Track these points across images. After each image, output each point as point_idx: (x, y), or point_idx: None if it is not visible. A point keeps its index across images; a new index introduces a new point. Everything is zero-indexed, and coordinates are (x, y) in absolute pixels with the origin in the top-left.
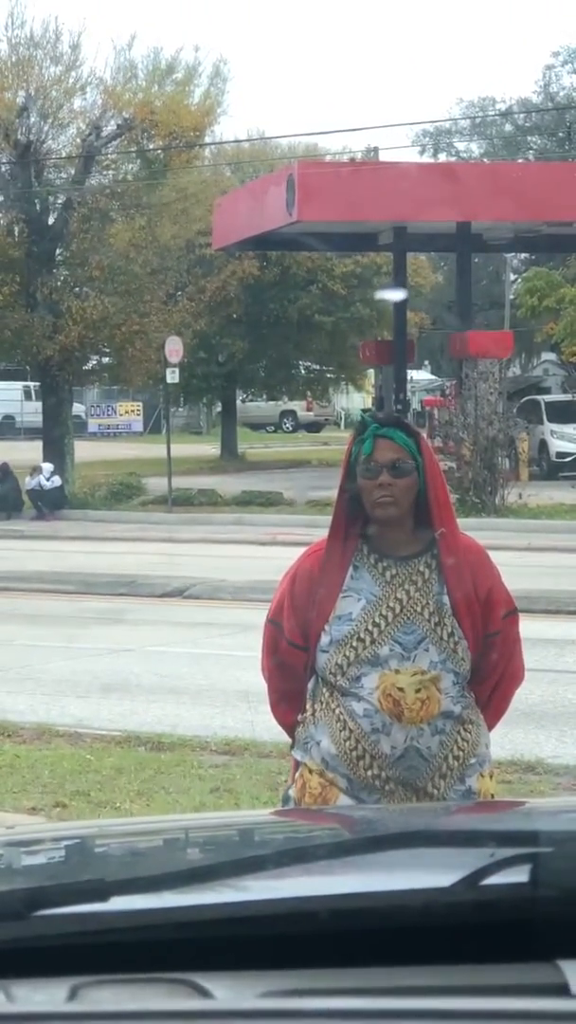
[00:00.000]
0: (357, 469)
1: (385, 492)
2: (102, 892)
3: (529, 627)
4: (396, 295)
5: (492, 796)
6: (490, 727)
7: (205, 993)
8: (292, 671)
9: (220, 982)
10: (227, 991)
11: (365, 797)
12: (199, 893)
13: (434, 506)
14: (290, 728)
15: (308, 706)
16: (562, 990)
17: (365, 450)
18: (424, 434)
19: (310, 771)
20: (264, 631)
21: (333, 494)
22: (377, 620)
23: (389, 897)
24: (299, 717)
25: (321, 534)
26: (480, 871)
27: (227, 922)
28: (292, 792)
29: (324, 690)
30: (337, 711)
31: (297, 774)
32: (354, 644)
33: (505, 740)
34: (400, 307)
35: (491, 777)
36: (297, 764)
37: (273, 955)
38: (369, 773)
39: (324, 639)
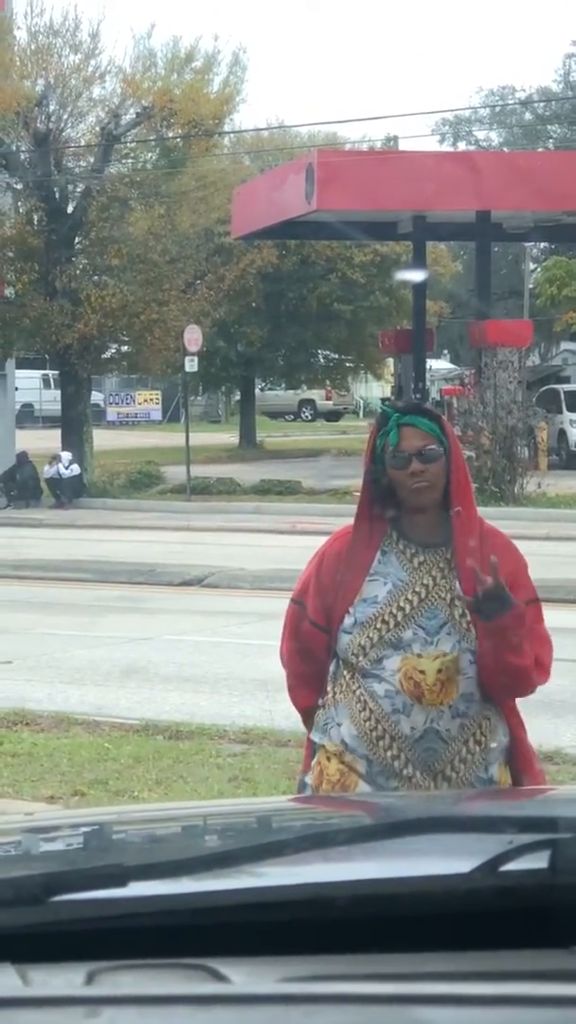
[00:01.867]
0: (386, 461)
1: (418, 479)
2: (120, 877)
3: (549, 616)
4: (416, 275)
5: (508, 784)
6: (509, 693)
7: (223, 978)
8: (311, 655)
9: (238, 967)
10: (245, 976)
11: (383, 783)
12: (217, 879)
13: (455, 487)
14: (305, 712)
15: (329, 688)
16: None
17: (391, 441)
18: (443, 417)
19: (328, 757)
20: (287, 612)
21: (351, 482)
22: (402, 604)
23: (408, 883)
24: (319, 701)
25: (340, 522)
26: (499, 857)
27: (245, 908)
28: (309, 779)
29: (345, 672)
30: (358, 692)
31: (314, 761)
32: (378, 626)
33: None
34: (419, 296)
35: (505, 765)
36: (312, 751)
37: (291, 941)
38: (388, 754)
39: (348, 620)
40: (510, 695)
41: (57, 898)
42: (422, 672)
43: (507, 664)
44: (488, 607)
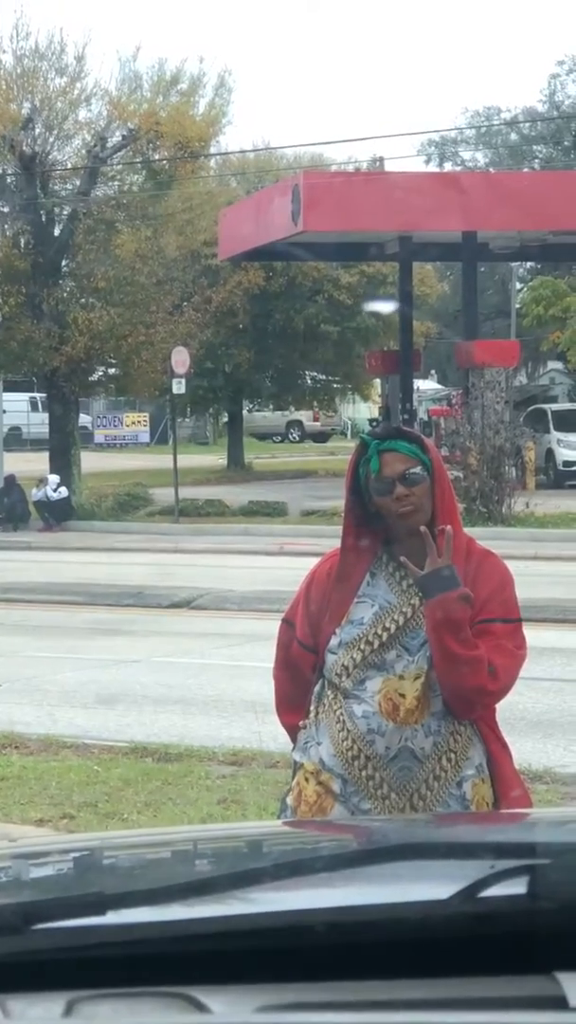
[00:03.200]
0: (371, 489)
1: (403, 503)
2: (100, 905)
3: (537, 636)
4: (386, 307)
5: (488, 803)
6: (458, 696)
7: (202, 1007)
8: (299, 674)
9: (217, 996)
10: (224, 1005)
11: (357, 803)
12: (197, 906)
13: (440, 507)
14: (292, 730)
15: (312, 708)
16: (560, 1003)
17: (373, 469)
18: (425, 437)
19: (306, 777)
20: (279, 631)
21: (338, 503)
22: (388, 625)
23: (387, 910)
24: (301, 723)
25: (328, 543)
26: (478, 883)
27: (224, 935)
28: (289, 800)
29: (328, 692)
30: (338, 712)
31: (294, 781)
32: (362, 647)
33: (513, 749)
34: (406, 317)
35: (484, 782)
36: (294, 771)
37: (271, 968)
38: (363, 774)
39: (333, 641)
40: (460, 700)
41: (37, 927)
42: (402, 695)
43: (449, 652)
44: (432, 583)
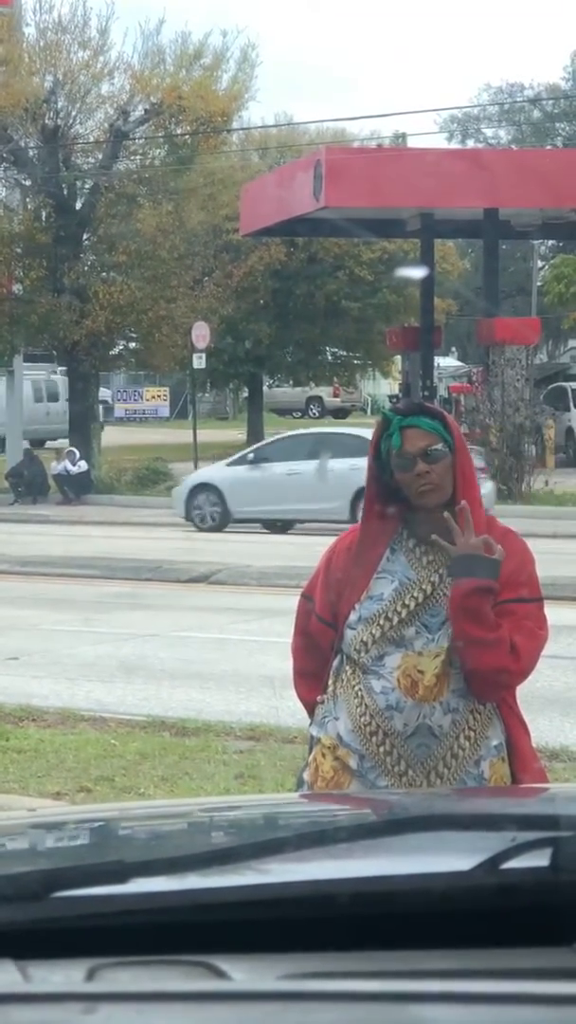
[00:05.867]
0: (392, 464)
1: (424, 480)
2: (121, 874)
3: (556, 614)
4: (418, 273)
5: (506, 782)
6: (478, 677)
7: (223, 975)
8: (318, 649)
9: (238, 964)
10: (245, 973)
11: (374, 779)
12: (218, 875)
13: (460, 481)
14: (309, 705)
15: (330, 683)
16: None
17: (394, 444)
18: (447, 414)
19: (323, 753)
20: (297, 605)
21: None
22: (407, 601)
23: (409, 880)
24: (319, 698)
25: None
26: (501, 855)
27: (246, 904)
28: (306, 775)
29: (347, 667)
30: (356, 687)
31: (311, 756)
32: (381, 623)
33: (529, 727)
34: (427, 293)
35: (503, 761)
36: (311, 745)
37: (292, 938)
38: (381, 750)
39: (353, 616)
40: (483, 681)
41: (58, 894)
42: (421, 672)
43: (470, 635)
44: (461, 566)
